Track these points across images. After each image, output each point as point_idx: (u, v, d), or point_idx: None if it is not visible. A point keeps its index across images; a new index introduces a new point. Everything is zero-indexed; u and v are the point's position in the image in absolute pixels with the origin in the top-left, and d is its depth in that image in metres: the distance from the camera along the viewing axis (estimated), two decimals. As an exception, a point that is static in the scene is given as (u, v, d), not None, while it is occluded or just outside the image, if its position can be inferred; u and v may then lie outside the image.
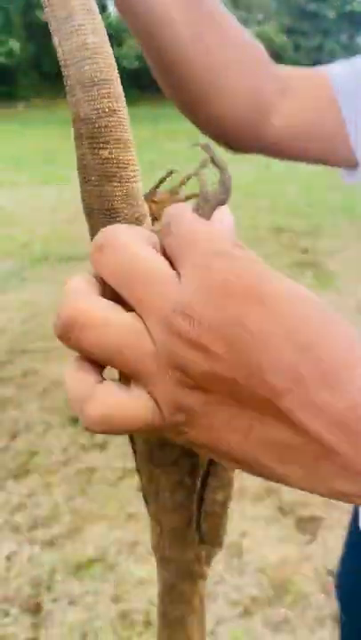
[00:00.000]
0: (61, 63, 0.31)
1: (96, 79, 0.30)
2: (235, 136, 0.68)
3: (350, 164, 0.67)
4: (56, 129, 17.87)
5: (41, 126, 18.54)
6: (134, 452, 0.50)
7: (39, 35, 20.96)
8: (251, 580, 2.16)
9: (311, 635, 1.95)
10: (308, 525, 2.43)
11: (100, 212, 0.34)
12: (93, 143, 0.33)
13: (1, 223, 7.07)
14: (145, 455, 0.46)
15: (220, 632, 1.96)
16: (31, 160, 11.96)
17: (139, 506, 2.52)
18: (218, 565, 2.22)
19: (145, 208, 0.36)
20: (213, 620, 1.99)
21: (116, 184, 0.33)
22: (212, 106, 0.64)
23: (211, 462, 0.46)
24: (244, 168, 10.76)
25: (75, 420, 3.12)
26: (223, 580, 2.16)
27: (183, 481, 0.46)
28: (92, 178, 0.33)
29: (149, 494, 0.49)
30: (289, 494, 2.59)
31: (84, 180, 0.34)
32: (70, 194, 8.60)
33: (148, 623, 1.98)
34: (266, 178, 9.65)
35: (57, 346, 3.90)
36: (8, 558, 2.25)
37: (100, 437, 2.99)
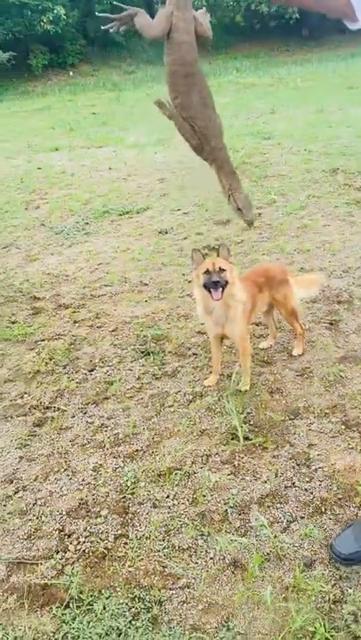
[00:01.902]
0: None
1: None
2: None
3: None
4: (105, 93, 17.88)
5: (91, 91, 18.60)
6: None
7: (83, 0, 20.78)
8: (320, 484, 2.28)
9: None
10: (374, 437, 2.51)
11: None
12: None
13: (63, 184, 7.29)
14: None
15: (293, 529, 2.10)
16: (85, 124, 12.11)
17: (209, 423, 2.69)
18: (288, 473, 2.36)
19: None
20: (286, 520, 2.14)
21: None
22: None
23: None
24: (298, 113, 10.46)
25: (146, 354, 3.31)
26: (294, 485, 2.29)
27: None
28: None
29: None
30: (353, 411, 2.68)
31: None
32: (123, 154, 8.71)
33: (224, 521, 2.15)
34: (319, 122, 9.36)
35: (123, 290, 4.11)
36: (95, 470, 2.48)
37: (170, 367, 3.17)
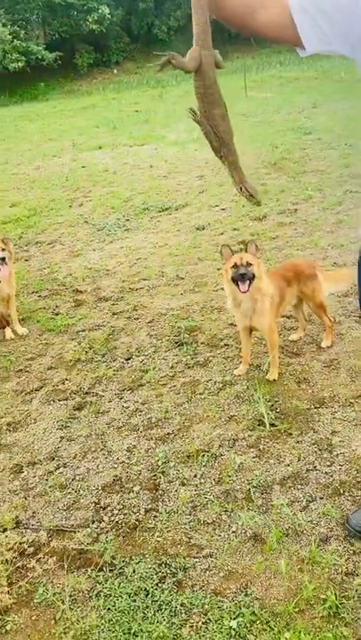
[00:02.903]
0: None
1: None
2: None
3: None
4: (148, 91, 18.09)
5: (134, 89, 18.87)
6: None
7: (127, -2, 21.09)
8: (340, 468, 2.40)
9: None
10: (396, 426, 2.60)
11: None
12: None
13: (106, 182, 7.54)
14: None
15: (312, 508, 2.23)
16: (128, 122, 12.37)
17: (237, 410, 2.84)
18: (310, 457, 2.48)
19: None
20: (306, 499, 2.27)
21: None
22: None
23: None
24: (340, 107, 10.37)
25: (179, 344, 3.48)
26: (315, 468, 2.42)
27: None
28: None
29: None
30: (379, 401, 2.77)
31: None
32: (164, 152, 8.90)
33: (247, 499, 2.30)
34: (364, 115, 9.29)
35: (159, 284, 4.29)
36: (129, 450, 2.67)
37: (202, 357, 3.33)
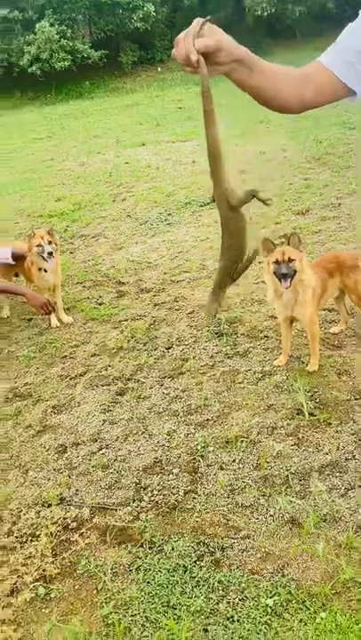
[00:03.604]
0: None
1: None
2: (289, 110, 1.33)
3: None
4: (192, 88, 18.13)
5: (177, 87, 18.94)
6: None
7: (173, -6, 21.19)
8: (380, 458, 2.40)
9: None
10: None
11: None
12: None
13: (149, 178, 7.63)
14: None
15: (351, 496, 2.24)
16: (171, 119, 12.44)
17: (277, 399, 2.86)
18: (349, 447, 2.49)
19: None
20: (344, 487, 2.28)
21: None
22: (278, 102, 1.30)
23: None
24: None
25: (219, 335, 3.52)
26: (354, 458, 2.42)
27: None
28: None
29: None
30: None
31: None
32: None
33: (285, 485, 2.33)
34: None
35: (200, 276, 4.33)
36: (169, 434, 2.73)
37: (241, 348, 3.36)
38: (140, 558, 2.08)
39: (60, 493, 2.44)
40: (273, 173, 6.81)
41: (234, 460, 2.51)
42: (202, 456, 2.56)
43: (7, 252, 4.06)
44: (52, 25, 17.65)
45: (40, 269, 3.88)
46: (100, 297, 4.33)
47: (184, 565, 2.02)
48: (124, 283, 4.53)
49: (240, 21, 20.26)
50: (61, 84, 18.71)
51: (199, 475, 2.47)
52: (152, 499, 2.36)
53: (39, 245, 3.80)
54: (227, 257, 1.43)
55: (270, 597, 1.85)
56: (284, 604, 1.83)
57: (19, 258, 4.06)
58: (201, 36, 1.12)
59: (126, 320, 3.90)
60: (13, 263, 4.08)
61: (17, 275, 4.28)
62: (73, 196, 7.26)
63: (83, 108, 16.08)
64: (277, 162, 7.36)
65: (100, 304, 4.21)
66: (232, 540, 2.11)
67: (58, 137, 11.97)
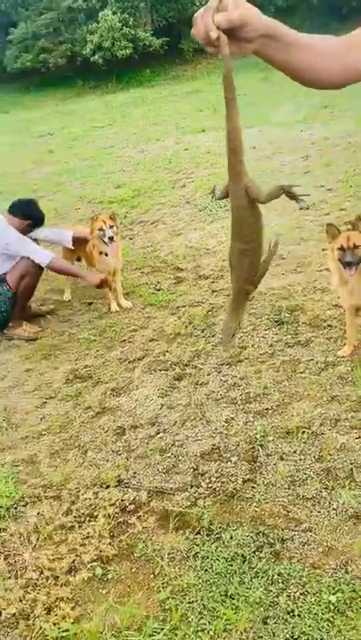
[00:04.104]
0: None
1: None
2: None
3: None
4: (255, 74, 17.82)
5: (239, 73, 18.65)
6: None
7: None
8: None
9: None
10: None
11: None
12: None
13: (208, 164, 7.54)
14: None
15: None
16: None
17: (340, 391, 2.75)
18: None
19: None
20: None
21: None
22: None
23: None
24: None
25: (279, 323, 3.43)
26: None
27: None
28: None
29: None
30: None
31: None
32: (269, 133, 8.73)
33: (348, 478, 2.24)
34: None
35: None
36: (227, 421, 2.68)
37: (303, 337, 3.26)
38: (197, 545, 2.05)
39: (118, 475, 2.44)
40: (337, 159, 6.58)
41: (295, 451, 2.43)
42: (261, 445, 2.50)
43: (68, 235, 4.11)
44: (114, 13, 17.72)
45: (101, 253, 3.90)
46: (159, 283, 4.31)
47: (243, 555, 1.97)
48: (182, 269, 4.50)
49: (305, 0, 19.63)
50: (122, 72, 18.79)
51: (258, 464, 2.41)
52: (210, 485, 2.32)
53: (101, 229, 3.82)
54: (241, 268, 1.29)
55: (333, 594, 1.78)
56: (348, 601, 1.76)
57: (80, 242, 4.09)
58: (222, 10, 0.96)
59: (184, 306, 3.86)
60: (73, 248, 4.13)
61: (79, 259, 4.32)
62: (132, 182, 7.28)
63: (143, 95, 16.10)
64: (342, 147, 7.10)
65: (159, 290, 4.19)
66: (293, 533, 2.04)
67: (118, 124, 12.04)
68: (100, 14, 17.69)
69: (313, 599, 1.78)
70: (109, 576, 1.99)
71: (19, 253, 3.77)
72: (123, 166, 8.30)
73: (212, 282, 4.17)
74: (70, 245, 4.10)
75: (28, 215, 3.89)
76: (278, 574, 1.88)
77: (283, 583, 1.85)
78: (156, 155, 8.62)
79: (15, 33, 18.96)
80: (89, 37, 17.83)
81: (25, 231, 3.86)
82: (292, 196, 1.21)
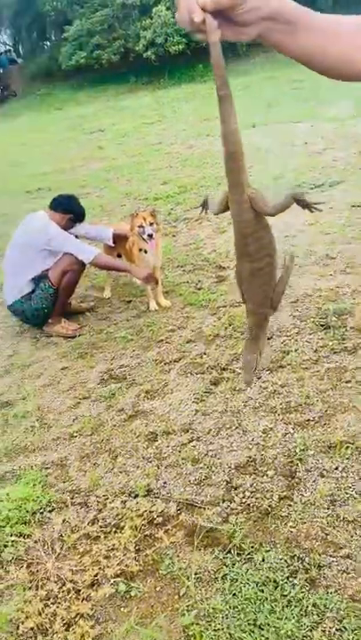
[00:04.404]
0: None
1: None
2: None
3: None
4: (304, 69, 17.39)
5: (292, 68, 18.22)
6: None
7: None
8: None
9: None
10: None
11: None
12: None
13: (258, 160, 7.34)
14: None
15: None
16: (283, 100, 11.96)
17: (390, 403, 2.55)
18: None
19: None
20: None
21: None
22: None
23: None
24: None
25: (325, 327, 3.24)
26: None
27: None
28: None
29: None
30: None
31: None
32: (321, 128, 8.43)
33: (396, 502, 2.05)
34: None
35: (307, 263, 4.04)
36: (264, 432, 2.53)
37: (350, 343, 3.06)
38: (226, 566, 1.91)
39: (148, 484, 2.34)
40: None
41: (337, 468, 2.26)
42: (300, 459, 2.33)
43: (108, 232, 4.04)
44: (168, 9, 17.62)
45: (140, 250, 3.81)
46: (200, 281, 4.18)
47: (275, 580, 1.82)
48: (224, 267, 4.35)
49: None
50: (175, 68, 18.71)
51: (296, 480, 2.24)
52: (243, 500, 2.18)
53: (140, 226, 3.72)
54: (254, 291, 1.15)
55: (374, 633, 1.61)
56: (391, 642, 1.58)
57: (121, 239, 4.02)
58: None
59: (225, 306, 3.72)
60: (113, 245, 4.06)
61: (119, 255, 4.25)
62: (179, 179, 7.17)
63: (194, 91, 15.97)
64: None
65: (199, 289, 4.06)
66: (331, 558, 1.88)
67: (168, 120, 11.96)
68: (153, 10, 17.64)
69: (351, 636, 1.62)
70: (132, 593, 1.88)
71: (61, 249, 3.72)
72: (170, 162, 8.21)
73: (256, 282, 4.00)
74: (111, 242, 4.03)
75: (69, 210, 3.85)
76: (313, 605, 1.73)
77: (318, 615, 1.69)
78: (205, 150, 8.48)
79: (70, 30, 19.17)
80: (142, 33, 17.82)
81: (66, 227, 3.82)
82: (306, 205, 1.05)
